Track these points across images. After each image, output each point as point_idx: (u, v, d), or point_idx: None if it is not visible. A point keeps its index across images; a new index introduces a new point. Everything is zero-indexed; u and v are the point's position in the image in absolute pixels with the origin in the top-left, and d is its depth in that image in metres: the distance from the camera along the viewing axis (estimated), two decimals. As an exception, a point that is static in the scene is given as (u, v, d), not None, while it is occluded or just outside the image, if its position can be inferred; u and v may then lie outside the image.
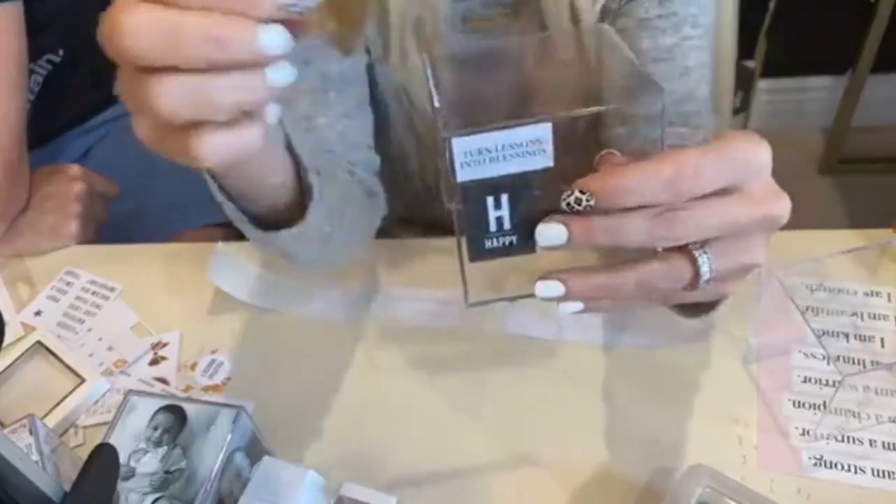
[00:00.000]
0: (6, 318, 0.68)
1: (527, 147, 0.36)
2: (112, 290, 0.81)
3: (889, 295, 0.70)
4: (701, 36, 0.69)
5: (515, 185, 0.37)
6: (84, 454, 0.44)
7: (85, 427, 0.70)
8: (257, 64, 0.34)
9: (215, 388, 0.72)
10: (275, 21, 0.33)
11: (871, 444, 0.62)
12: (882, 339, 0.68)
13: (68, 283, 0.82)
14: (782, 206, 0.42)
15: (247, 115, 0.36)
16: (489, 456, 0.64)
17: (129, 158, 1.10)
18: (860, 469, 0.60)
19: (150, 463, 0.55)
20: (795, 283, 0.71)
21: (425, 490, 0.63)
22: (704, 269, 0.40)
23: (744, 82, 1.75)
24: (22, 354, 0.74)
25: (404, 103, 0.76)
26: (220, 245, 0.81)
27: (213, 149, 0.35)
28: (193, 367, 0.73)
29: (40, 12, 0.90)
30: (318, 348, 0.73)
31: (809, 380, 0.66)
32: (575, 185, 0.37)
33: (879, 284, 0.71)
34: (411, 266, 0.78)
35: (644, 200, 0.37)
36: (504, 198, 0.38)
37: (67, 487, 0.43)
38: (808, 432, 0.62)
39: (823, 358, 0.67)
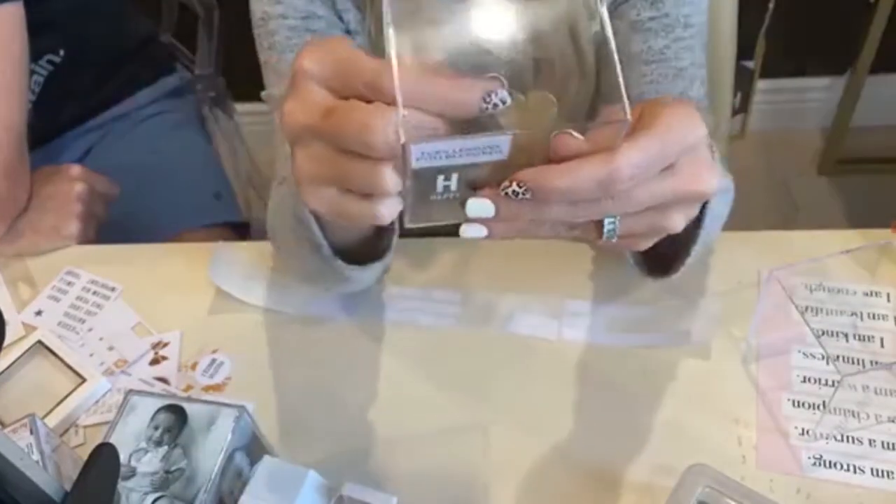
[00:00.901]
0: (7, 317, 0.67)
1: (484, 149, 0.38)
2: (113, 289, 0.81)
3: (888, 295, 0.71)
4: (693, 36, 0.69)
5: (466, 168, 0.39)
6: (85, 454, 0.44)
7: (85, 427, 0.70)
8: None
9: (216, 387, 0.72)
10: None
11: (870, 443, 0.62)
12: (881, 339, 0.68)
13: (69, 283, 0.82)
14: (709, 182, 0.42)
15: None
16: (489, 455, 0.64)
17: (129, 159, 1.10)
18: (859, 469, 0.60)
19: (150, 462, 0.55)
20: (795, 283, 0.71)
21: (425, 490, 0.63)
22: (608, 230, 0.42)
23: (743, 83, 1.75)
24: (23, 354, 0.74)
25: None
26: (220, 245, 0.81)
27: (395, 209, 0.41)
28: (194, 366, 0.73)
29: (41, 13, 0.90)
30: (318, 348, 0.74)
31: (809, 380, 0.66)
32: (513, 177, 0.39)
33: (879, 284, 0.71)
34: (412, 266, 0.78)
35: (577, 198, 0.39)
36: (454, 175, 0.39)
37: (68, 487, 0.43)
38: (807, 432, 0.63)
39: (823, 358, 0.67)
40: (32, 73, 0.99)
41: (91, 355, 0.75)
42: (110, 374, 0.74)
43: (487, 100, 0.37)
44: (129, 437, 0.56)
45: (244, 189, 1.33)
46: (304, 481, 0.54)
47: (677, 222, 0.43)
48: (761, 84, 1.82)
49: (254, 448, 0.59)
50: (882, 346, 0.67)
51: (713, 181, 0.42)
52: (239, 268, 0.80)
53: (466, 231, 0.42)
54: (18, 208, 0.86)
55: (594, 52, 0.54)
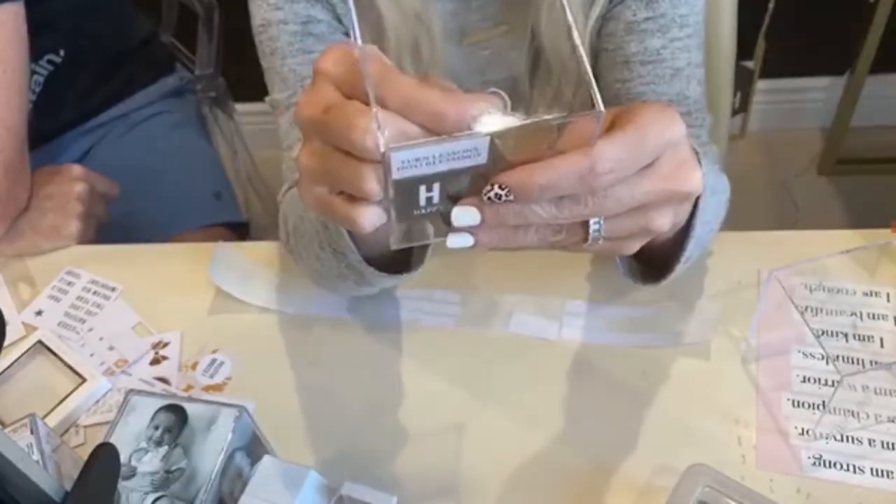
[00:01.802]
0: (7, 317, 0.68)
1: (463, 153, 0.38)
2: (113, 289, 0.81)
3: (888, 295, 0.71)
4: (689, 36, 0.69)
5: (448, 176, 0.39)
6: (85, 454, 0.44)
7: (86, 426, 0.70)
8: None
9: (216, 387, 0.72)
10: None
11: (870, 443, 0.62)
12: (881, 339, 0.68)
13: (69, 283, 0.82)
14: (691, 181, 0.43)
15: None
16: (489, 455, 0.64)
17: (129, 158, 1.10)
18: (859, 468, 0.60)
19: (150, 462, 0.55)
20: (795, 283, 0.71)
21: (425, 490, 0.63)
22: (593, 231, 0.43)
23: (743, 83, 1.75)
24: (23, 354, 0.74)
25: None
26: (220, 245, 0.81)
27: (377, 217, 0.41)
28: (194, 366, 0.73)
29: (41, 13, 0.90)
30: (318, 348, 0.74)
31: (809, 379, 0.66)
32: (494, 180, 0.40)
33: (878, 284, 0.71)
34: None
35: (558, 194, 0.40)
36: (436, 185, 0.40)
37: (68, 487, 0.43)
38: (807, 432, 0.63)
39: (822, 358, 0.67)
40: (32, 73, 0.99)
41: (91, 355, 0.75)
42: (110, 374, 0.74)
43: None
44: (130, 437, 0.57)
45: (244, 189, 1.33)
46: (304, 481, 0.54)
47: (661, 223, 0.43)
48: (761, 84, 1.82)
49: (254, 448, 0.59)
50: (882, 345, 0.67)
51: (695, 180, 0.43)
52: (239, 268, 0.80)
53: (452, 241, 0.42)
54: (19, 208, 0.86)
55: (592, 56, 0.54)
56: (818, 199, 1.81)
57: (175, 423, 0.57)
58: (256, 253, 0.81)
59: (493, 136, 0.37)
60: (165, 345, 0.75)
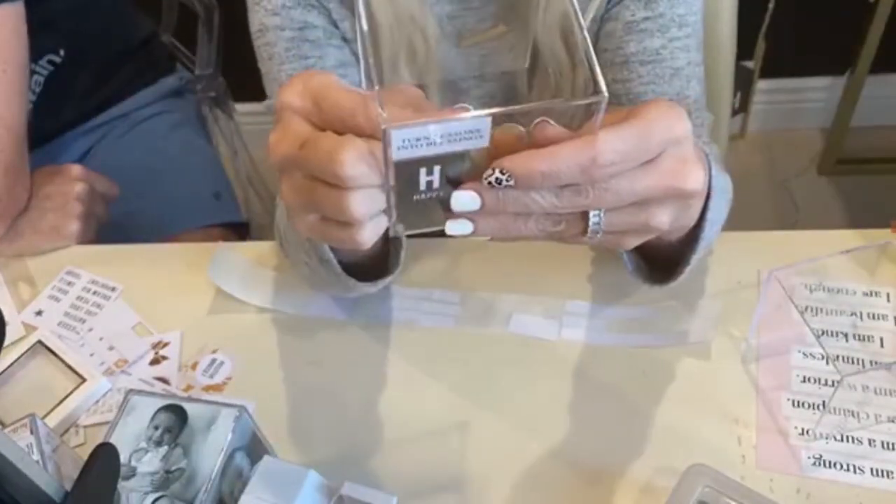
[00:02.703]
0: (7, 317, 0.68)
1: (464, 134, 0.38)
2: (113, 289, 0.81)
3: (888, 295, 0.71)
4: (689, 35, 0.69)
5: (448, 160, 0.39)
6: (85, 454, 0.44)
7: (86, 426, 0.70)
8: None
9: (216, 387, 0.72)
10: None
11: (870, 443, 0.62)
12: (881, 339, 0.68)
13: (69, 283, 0.82)
14: (693, 179, 0.42)
15: None
16: (489, 455, 0.64)
17: (129, 158, 1.11)
18: (859, 468, 0.60)
19: (150, 462, 0.55)
20: (795, 283, 0.71)
21: (425, 490, 0.63)
22: (593, 223, 0.42)
23: (743, 83, 1.75)
24: (23, 354, 0.74)
25: None
26: (220, 245, 0.81)
27: (373, 233, 0.42)
28: (194, 366, 0.73)
29: (41, 13, 0.90)
30: (318, 348, 0.74)
31: (809, 379, 0.66)
32: (496, 164, 0.39)
33: (878, 284, 0.71)
34: (412, 266, 0.78)
35: (560, 183, 0.39)
36: (436, 168, 0.40)
37: (68, 487, 0.43)
38: (807, 432, 0.63)
39: (822, 358, 0.67)
40: (32, 73, 0.99)
41: (91, 355, 0.75)
42: (110, 374, 0.74)
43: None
44: (130, 437, 0.57)
45: (244, 189, 1.33)
46: (304, 481, 0.54)
47: (661, 220, 0.43)
48: (761, 84, 1.82)
49: (254, 448, 0.59)
50: (882, 345, 0.67)
51: (698, 179, 0.42)
52: (239, 268, 0.80)
53: (452, 227, 0.42)
54: (19, 208, 0.86)
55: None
56: (818, 199, 1.81)
57: (175, 423, 0.57)
58: (256, 253, 0.81)
59: (495, 117, 0.37)
60: (165, 345, 0.75)
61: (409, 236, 0.44)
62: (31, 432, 0.56)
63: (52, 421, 0.69)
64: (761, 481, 0.60)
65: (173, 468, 0.55)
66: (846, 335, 0.68)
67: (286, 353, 0.74)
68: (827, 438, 0.62)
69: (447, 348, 0.72)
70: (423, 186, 0.40)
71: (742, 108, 1.83)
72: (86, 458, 0.44)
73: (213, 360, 0.74)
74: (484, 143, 0.38)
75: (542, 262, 0.76)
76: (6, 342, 0.75)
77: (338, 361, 0.72)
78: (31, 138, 0.90)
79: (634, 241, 0.46)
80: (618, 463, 0.62)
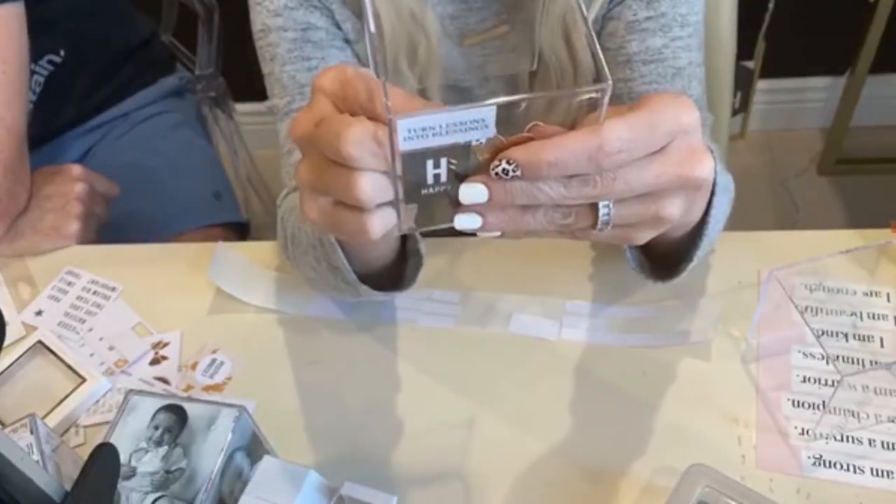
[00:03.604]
0: (7, 317, 0.68)
1: (470, 124, 0.38)
2: (113, 289, 0.81)
3: (888, 295, 0.71)
4: (690, 35, 0.69)
5: (455, 150, 0.39)
6: (85, 454, 0.44)
7: (86, 426, 0.70)
8: None
9: (216, 387, 0.72)
10: None
11: (870, 443, 0.62)
12: (881, 339, 0.68)
13: (69, 283, 0.82)
14: (702, 168, 0.42)
15: None
16: (489, 455, 0.64)
17: (129, 158, 1.11)
18: (859, 468, 0.60)
19: (150, 462, 0.55)
20: (795, 283, 0.71)
21: (425, 490, 0.63)
22: (603, 214, 0.42)
23: (743, 82, 1.75)
24: (23, 354, 0.74)
25: None
26: (220, 245, 0.81)
27: (382, 223, 0.42)
28: (194, 366, 0.73)
29: (41, 13, 0.90)
30: (318, 348, 0.74)
31: (809, 379, 0.66)
32: (502, 155, 0.39)
33: (878, 284, 0.71)
34: (411, 266, 0.78)
35: (567, 172, 0.39)
36: (443, 160, 0.40)
37: (68, 487, 0.43)
38: (807, 432, 0.63)
39: (823, 357, 0.67)
40: (32, 73, 0.99)
41: (91, 355, 0.75)
42: (110, 374, 0.74)
43: None
44: (130, 437, 0.57)
45: (244, 189, 1.33)
46: (304, 481, 0.54)
47: (672, 211, 0.43)
48: (761, 84, 1.82)
49: (254, 448, 0.59)
50: (882, 345, 0.67)
51: (707, 168, 0.42)
52: (239, 268, 0.80)
53: (461, 221, 0.42)
54: (19, 208, 0.86)
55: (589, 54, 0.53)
56: (818, 199, 1.81)
57: (175, 423, 0.57)
58: (256, 253, 0.81)
59: (500, 107, 0.37)
60: (165, 345, 0.75)
61: (420, 234, 0.44)
62: (31, 432, 0.56)
63: (52, 421, 0.69)
64: (761, 481, 0.60)
65: (173, 468, 0.55)
66: (846, 335, 0.68)
67: (286, 353, 0.74)
68: (827, 438, 0.62)
69: (447, 348, 0.72)
70: (430, 180, 0.40)
71: (742, 108, 1.83)
72: (86, 458, 0.44)
73: (213, 360, 0.74)
74: (490, 133, 0.38)
75: (542, 262, 0.76)
76: (6, 342, 0.75)
77: (338, 361, 0.72)
78: (31, 138, 0.90)
79: (645, 235, 0.45)
80: (618, 463, 0.62)
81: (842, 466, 0.61)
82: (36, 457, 0.55)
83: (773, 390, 0.65)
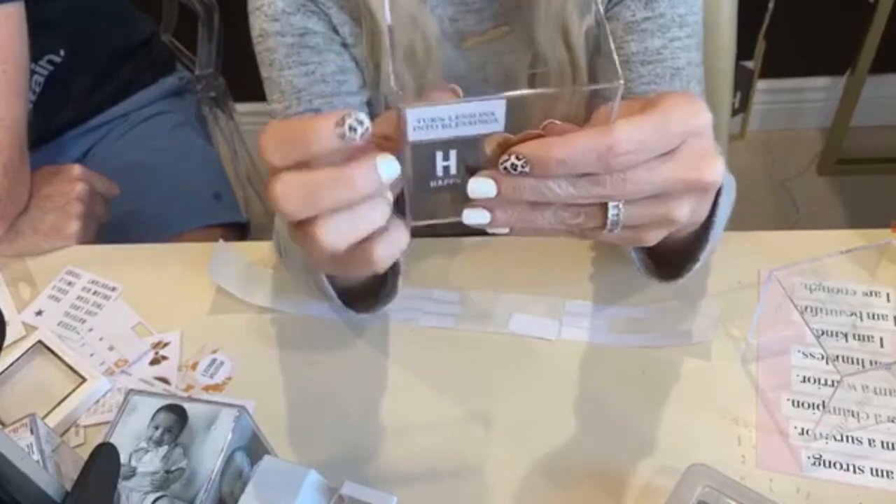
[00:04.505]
0: (7, 317, 0.68)
1: (479, 117, 0.38)
2: (113, 289, 0.81)
3: (888, 295, 0.71)
4: (689, 36, 0.69)
5: (464, 143, 0.39)
6: (85, 453, 0.44)
7: (86, 426, 0.70)
8: (379, 192, 0.40)
9: (216, 387, 0.72)
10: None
11: (870, 443, 0.62)
12: (881, 339, 0.68)
13: (69, 283, 0.82)
14: (712, 171, 0.42)
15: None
16: (489, 455, 0.64)
17: (129, 158, 1.11)
18: (859, 468, 0.60)
19: (150, 462, 0.55)
20: (795, 282, 0.71)
21: (425, 490, 0.63)
22: (612, 214, 0.42)
23: (743, 83, 1.75)
24: (23, 354, 0.74)
25: None
26: (221, 245, 0.81)
27: (384, 253, 0.42)
28: (194, 366, 0.73)
29: (41, 13, 0.90)
30: (318, 348, 0.74)
31: (808, 379, 0.66)
32: (512, 150, 0.39)
33: (878, 284, 0.71)
34: (412, 266, 0.78)
35: (576, 171, 0.39)
36: (452, 153, 0.40)
37: (68, 487, 0.43)
38: (807, 432, 0.63)
39: (822, 357, 0.67)
40: (32, 73, 0.99)
41: (91, 355, 0.75)
42: (110, 374, 0.74)
43: (340, 123, 0.37)
44: (130, 437, 0.57)
45: (244, 189, 1.33)
46: (304, 481, 0.54)
47: (682, 213, 0.43)
48: (761, 84, 1.83)
49: (254, 447, 0.59)
50: (882, 345, 0.67)
51: (717, 171, 0.42)
52: (239, 268, 0.80)
53: (469, 216, 0.42)
54: (19, 208, 0.86)
55: (587, 51, 0.54)
56: (818, 199, 1.81)
57: (175, 423, 0.57)
58: (256, 253, 0.81)
59: (510, 100, 0.37)
60: (165, 345, 0.75)
61: (425, 227, 0.44)
62: (31, 432, 0.56)
63: (52, 421, 0.69)
64: (761, 481, 0.60)
65: (173, 468, 0.55)
66: (846, 335, 0.68)
67: (286, 353, 0.74)
68: (827, 438, 0.62)
69: (447, 348, 0.72)
70: (440, 172, 0.40)
71: (742, 108, 1.83)
72: (86, 458, 0.44)
73: (213, 360, 0.74)
74: (499, 127, 0.38)
75: (542, 262, 0.76)
76: (6, 342, 0.75)
77: (338, 361, 0.72)
78: (31, 138, 0.90)
79: (655, 236, 0.45)
80: (618, 463, 0.62)
81: (842, 466, 0.61)
82: (36, 457, 0.55)
83: (773, 390, 0.65)
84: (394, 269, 0.66)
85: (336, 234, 0.40)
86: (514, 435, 0.65)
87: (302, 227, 0.41)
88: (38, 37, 0.90)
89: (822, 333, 0.68)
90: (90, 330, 0.78)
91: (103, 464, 0.44)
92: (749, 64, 1.73)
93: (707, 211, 0.50)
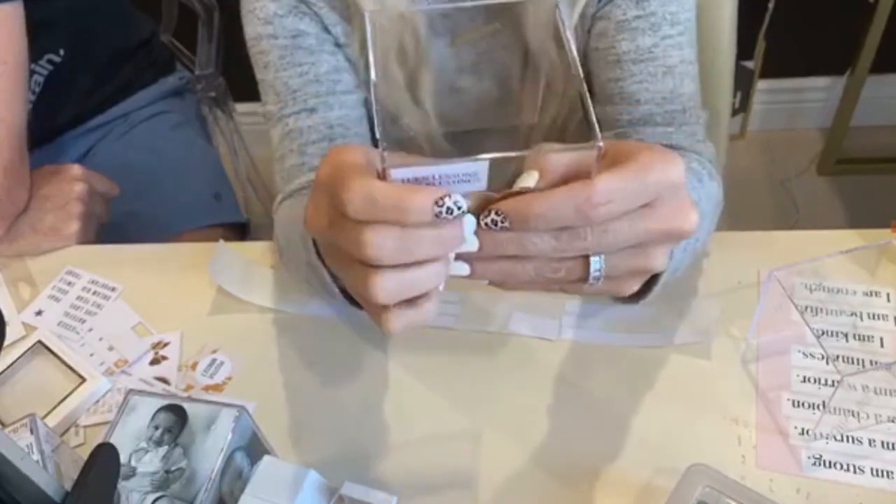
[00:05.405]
0: (7, 317, 0.68)
1: (462, 177, 0.39)
2: (113, 289, 0.81)
3: (888, 295, 0.71)
4: (681, 33, 0.69)
5: None
6: (85, 454, 0.44)
7: (86, 426, 0.70)
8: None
9: (216, 387, 0.72)
10: None
11: (870, 443, 0.62)
12: (881, 339, 0.68)
13: (69, 283, 0.82)
14: (689, 222, 0.43)
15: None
16: (489, 454, 0.64)
17: (129, 158, 1.11)
18: (859, 468, 0.60)
19: (150, 462, 0.55)
20: (795, 283, 0.71)
21: (425, 490, 0.63)
22: (594, 269, 0.43)
23: (743, 83, 1.75)
24: (23, 354, 0.74)
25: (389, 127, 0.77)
26: (221, 245, 0.81)
27: (400, 323, 0.44)
28: (194, 366, 0.73)
29: (41, 13, 0.90)
30: (318, 348, 0.74)
31: (809, 379, 0.66)
32: (491, 207, 0.40)
33: (878, 284, 0.71)
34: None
35: (555, 224, 0.40)
36: None
37: (68, 487, 0.43)
38: (807, 432, 0.63)
39: (823, 357, 0.67)
40: (32, 73, 0.99)
41: (91, 355, 0.75)
42: (110, 374, 0.74)
43: (440, 204, 0.38)
44: (130, 437, 0.57)
45: (244, 189, 1.33)
46: (304, 481, 0.54)
47: (660, 262, 0.44)
48: (761, 84, 1.83)
49: (254, 448, 0.59)
50: (882, 345, 0.67)
51: (693, 221, 0.43)
52: (239, 268, 0.80)
53: (450, 268, 0.43)
54: (18, 208, 0.86)
55: (581, 51, 0.54)
56: (818, 199, 1.81)
57: (175, 423, 0.57)
58: (256, 253, 0.81)
59: (492, 162, 0.38)
60: (165, 345, 0.75)
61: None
62: (31, 432, 0.56)
63: (52, 421, 0.69)
64: (761, 481, 0.60)
65: (173, 468, 0.55)
66: (846, 335, 0.68)
67: (286, 353, 0.74)
68: (827, 438, 0.62)
69: (447, 348, 0.72)
70: None
71: (742, 108, 1.83)
72: (86, 458, 0.44)
73: (213, 360, 0.74)
74: (482, 186, 0.39)
75: (542, 262, 0.76)
76: (6, 342, 0.75)
77: (338, 361, 0.72)
78: (31, 138, 0.90)
79: (633, 286, 0.46)
80: (618, 463, 0.62)
81: (842, 466, 0.61)
82: (36, 457, 0.55)
83: (773, 390, 0.65)
84: None
85: (397, 288, 0.42)
86: (514, 435, 0.65)
87: (367, 271, 0.41)
88: (38, 37, 0.90)
89: (822, 333, 0.68)
90: (90, 330, 0.78)
91: (103, 464, 0.44)
92: (749, 64, 1.73)
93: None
